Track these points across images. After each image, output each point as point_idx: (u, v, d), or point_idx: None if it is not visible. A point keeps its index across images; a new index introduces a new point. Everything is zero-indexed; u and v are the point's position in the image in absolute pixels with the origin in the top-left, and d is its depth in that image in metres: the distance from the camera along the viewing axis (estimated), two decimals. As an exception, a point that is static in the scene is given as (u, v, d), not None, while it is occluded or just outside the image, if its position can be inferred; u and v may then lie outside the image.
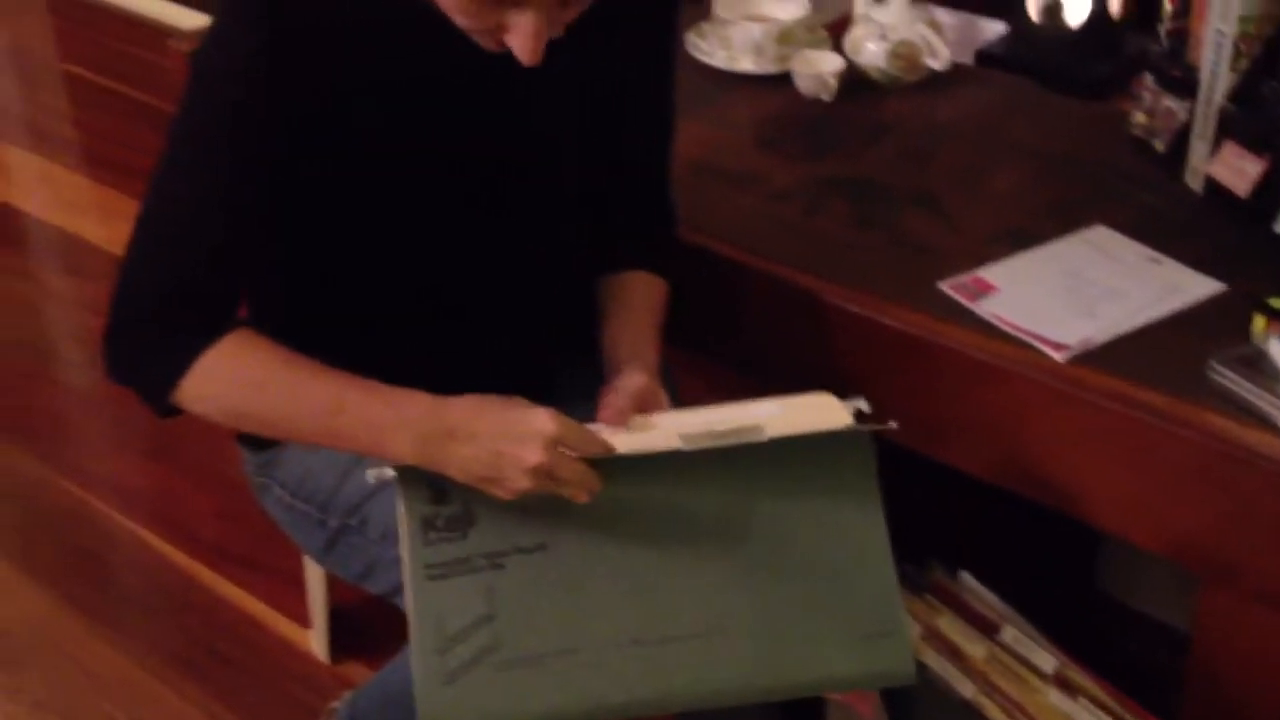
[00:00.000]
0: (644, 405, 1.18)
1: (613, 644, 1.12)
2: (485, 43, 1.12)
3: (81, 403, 2.31)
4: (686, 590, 1.14)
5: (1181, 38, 1.54)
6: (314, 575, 1.71)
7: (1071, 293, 1.37)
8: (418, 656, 1.09)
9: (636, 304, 1.34)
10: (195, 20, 3.44)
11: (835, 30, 1.83)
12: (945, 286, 1.38)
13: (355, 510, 1.29)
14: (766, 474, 1.16)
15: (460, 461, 1.08)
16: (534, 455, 1.06)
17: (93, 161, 3.01)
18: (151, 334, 1.16)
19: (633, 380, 1.19)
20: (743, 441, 1.12)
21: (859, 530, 1.17)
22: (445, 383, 1.14)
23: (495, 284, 1.30)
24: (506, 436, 1.07)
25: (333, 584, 1.72)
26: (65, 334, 2.50)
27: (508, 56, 1.12)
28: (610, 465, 1.11)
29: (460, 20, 1.10)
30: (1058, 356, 1.28)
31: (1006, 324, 1.32)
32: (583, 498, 1.10)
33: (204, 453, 2.14)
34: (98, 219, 2.80)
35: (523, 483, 1.07)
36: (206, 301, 1.17)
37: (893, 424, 1.16)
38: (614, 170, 1.35)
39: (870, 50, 1.73)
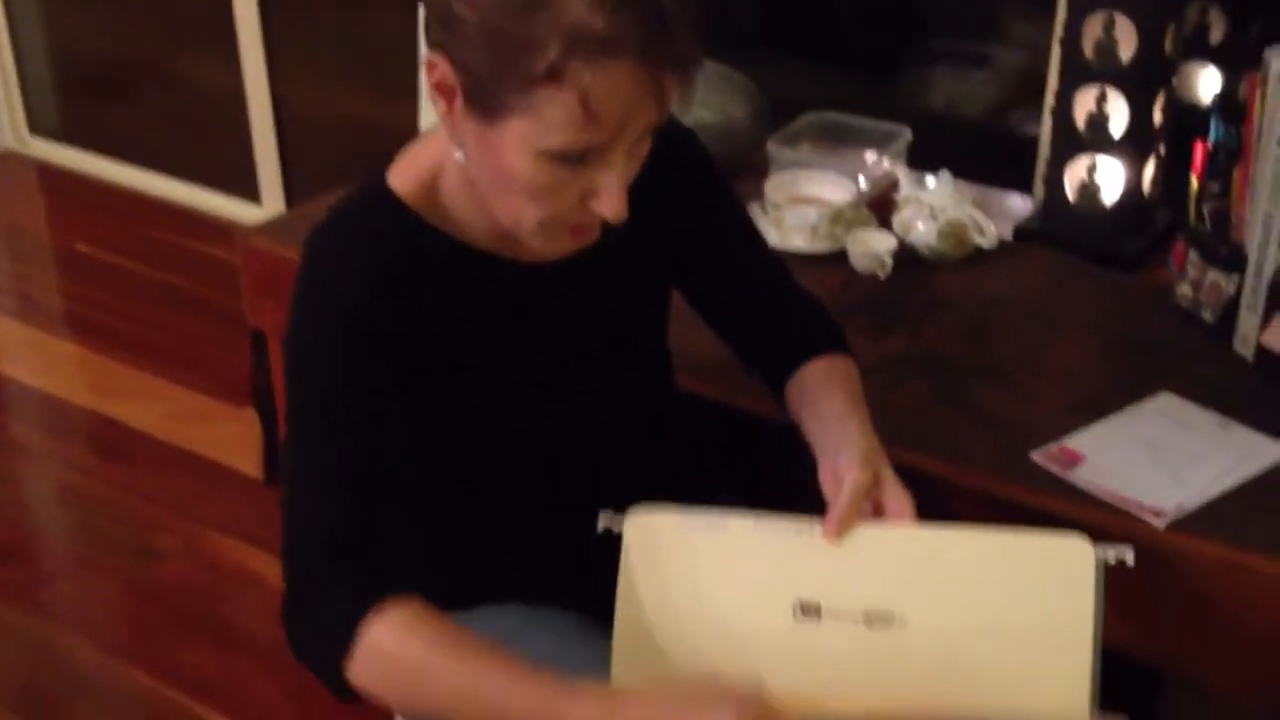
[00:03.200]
0: (875, 502, 1.21)
1: None
2: (556, 235, 1.16)
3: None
4: None
5: (1223, 216, 1.66)
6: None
7: (1154, 459, 1.45)
8: None
9: (825, 382, 1.37)
10: (182, 192, 3.55)
11: (876, 208, 1.94)
12: (1037, 457, 1.46)
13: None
14: None
15: None
16: None
17: (79, 328, 3.09)
18: (316, 606, 1.15)
19: (858, 475, 1.20)
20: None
21: None
22: (576, 540, 1.23)
23: (607, 450, 1.36)
24: None
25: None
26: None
27: (568, 275, 1.22)
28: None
29: (536, 210, 1.12)
30: (1157, 523, 1.36)
31: (1105, 492, 1.40)
32: None
33: (271, 636, 2.14)
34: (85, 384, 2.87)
35: None
36: (364, 562, 1.16)
37: None
38: (742, 301, 1.42)
39: (920, 229, 1.83)
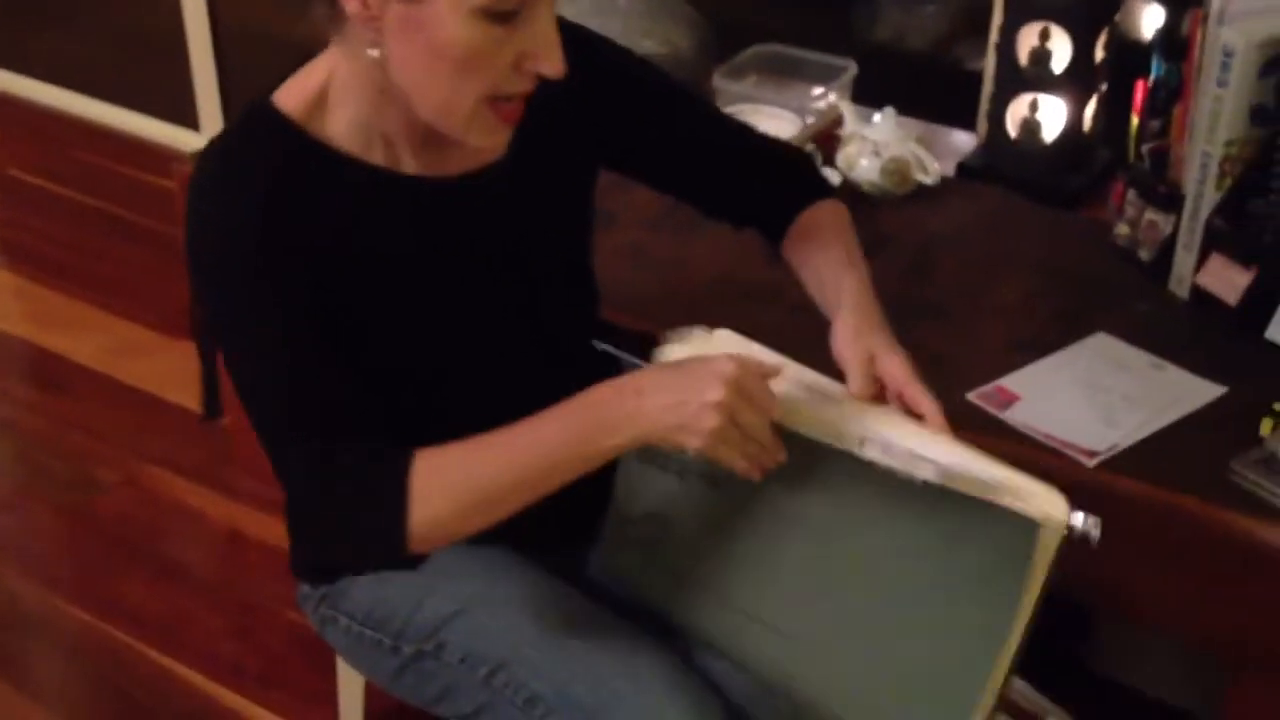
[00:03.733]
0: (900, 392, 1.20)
1: (721, 599, 1.27)
2: (491, 120, 1.15)
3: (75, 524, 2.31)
4: (797, 589, 1.23)
5: (1162, 155, 1.67)
6: (349, 696, 1.73)
7: (1089, 400, 1.47)
8: (610, 518, 1.33)
9: (815, 234, 1.41)
10: (119, 117, 3.49)
11: (821, 143, 1.93)
12: (973, 397, 1.47)
13: (431, 636, 1.33)
14: (929, 515, 1.14)
15: (653, 414, 1.11)
16: (716, 392, 1.09)
17: (14, 255, 3.05)
18: (346, 505, 1.17)
19: (853, 358, 1.22)
20: (909, 476, 1.11)
21: (979, 625, 1.15)
22: None
23: (530, 377, 1.34)
24: (689, 376, 1.12)
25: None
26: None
27: (474, 192, 1.23)
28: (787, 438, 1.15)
29: (473, 84, 1.12)
30: (1089, 463, 1.38)
31: (1038, 432, 1.42)
32: (755, 471, 1.13)
33: (211, 571, 2.16)
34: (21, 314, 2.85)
35: (709, 420, 1.09)
36: (368, 449, 1.17)
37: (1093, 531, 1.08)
38: (711, 165, 1.44)
39: (864, 166, 1.83)
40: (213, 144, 1.22)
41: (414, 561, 1.26)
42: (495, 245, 1.30)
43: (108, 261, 2.99)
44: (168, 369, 2.60)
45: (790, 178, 1.47)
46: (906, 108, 1.95)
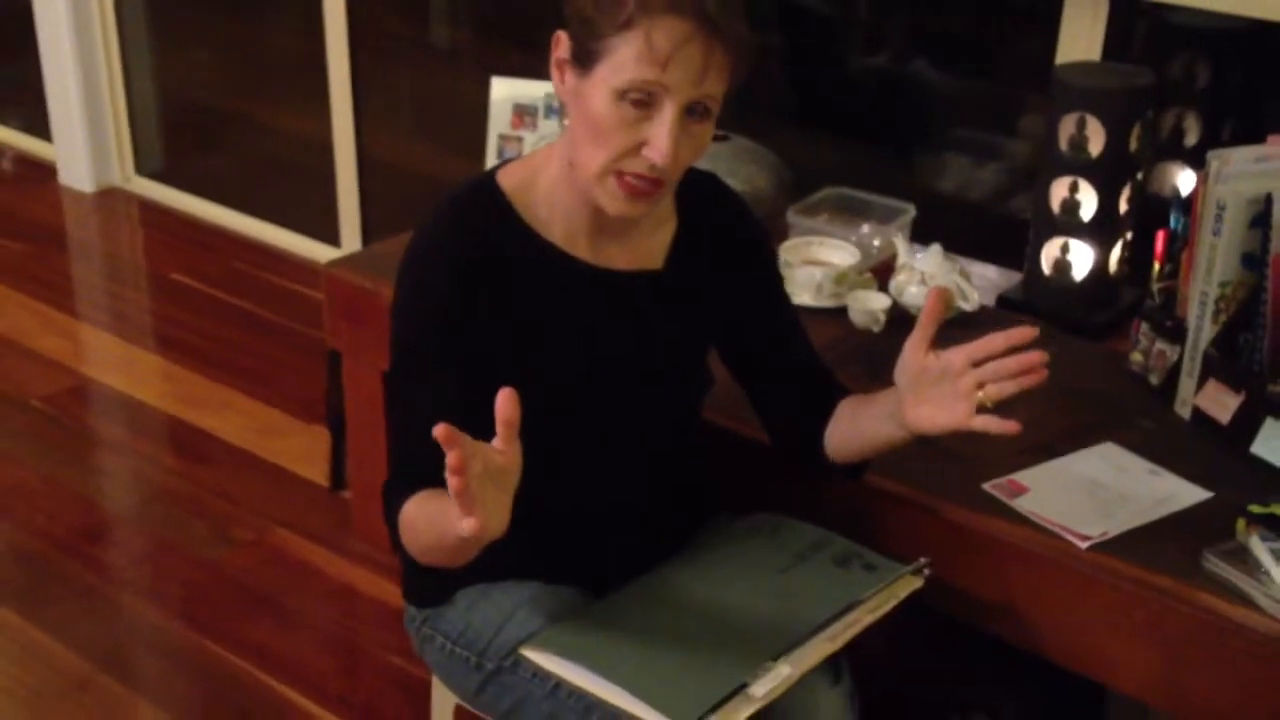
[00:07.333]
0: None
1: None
2: (615, 187, 1.44)
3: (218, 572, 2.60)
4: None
5: (1171, 294, 1.91)
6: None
7: (1090, 496, 1.69)
8: None
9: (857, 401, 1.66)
10: (269, 233, 3.85)
11: (878, 273, 2.21)
12: (987, 487, 1.71)
13: (509, 654, 1.58)
14: None
15: None
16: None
17: (168, 345, 3.40)
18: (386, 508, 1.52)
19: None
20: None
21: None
22: (590, 535, 1.57)
23: (629, 460, 1.62)
24: None
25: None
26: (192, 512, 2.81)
27: (630, 287, 1.54)
28: None
29: (604, 151, 1.42)
30: (1081, 545, 1.60)
31: (1039, 518, 1.64)
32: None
33: (327, 620, 2.42)
34: (172, 395, 3.16)
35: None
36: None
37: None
38: (777, 361, 1.69)
39: (912, 292, 2.09)
40: (446, 198, 1.55)
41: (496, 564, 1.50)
42: (635, 337, 1.59)
43: (253, 355, 3.29)
44: (300, 448, 2.89)
45: (829, 391, 1.70)
46: (962, 248, 2.21)
